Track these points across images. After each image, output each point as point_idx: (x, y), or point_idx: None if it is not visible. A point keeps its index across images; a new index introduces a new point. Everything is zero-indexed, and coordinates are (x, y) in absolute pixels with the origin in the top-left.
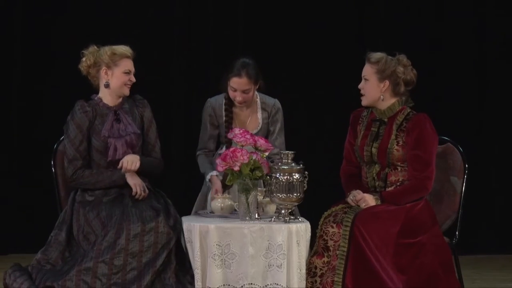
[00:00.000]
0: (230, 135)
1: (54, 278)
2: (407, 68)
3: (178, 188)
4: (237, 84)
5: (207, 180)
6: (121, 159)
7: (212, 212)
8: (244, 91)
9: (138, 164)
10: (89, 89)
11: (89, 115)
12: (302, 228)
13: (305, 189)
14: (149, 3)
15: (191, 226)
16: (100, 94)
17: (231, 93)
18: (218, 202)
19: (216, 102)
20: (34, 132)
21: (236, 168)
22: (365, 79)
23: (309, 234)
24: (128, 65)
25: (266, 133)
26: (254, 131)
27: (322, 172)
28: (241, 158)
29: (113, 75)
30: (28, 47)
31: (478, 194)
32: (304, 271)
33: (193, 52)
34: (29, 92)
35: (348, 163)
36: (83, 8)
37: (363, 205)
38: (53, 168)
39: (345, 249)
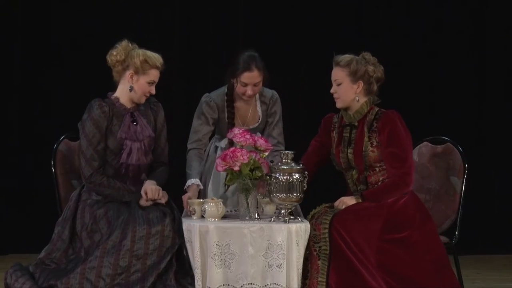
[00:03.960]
0: (229, 135)
1: (58, 277)
2: (376, 66)
3: (178, 188)
4: (249, 78)
5: (187, 185)
6: (134, 164)
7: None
8: (255, 85)
9: (160, 193)
10: (90, 88)
11: (107, 115)
12: (301, 228)
13: (305, 189)
14: (149, 2)
15: (191, 226)
16: (117, 94)
17: (241, 89)
18: (213, 207)
19: (218, 97)
20: (34, 132)
21: (236, 168)
22: (337, 83)
23: (308, 234)
24: (155, 76)
25: (265, 125)
26: (256, 125)
27: (322, 172)
28: (241, 158)
29: (138, 82)
30: (28, 47)
31: (478, 194)
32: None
33: (193, 52)
34: (29, 91)
35: (308, 158)
36: (83, 7)
37: (342, 207)
38: (53, 168)
39: (327, 251)
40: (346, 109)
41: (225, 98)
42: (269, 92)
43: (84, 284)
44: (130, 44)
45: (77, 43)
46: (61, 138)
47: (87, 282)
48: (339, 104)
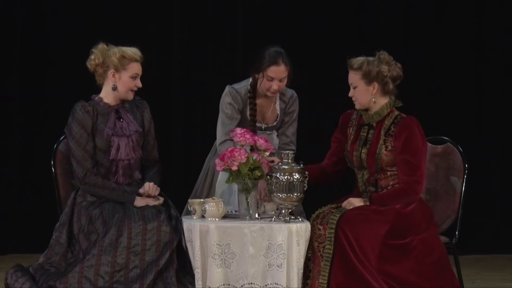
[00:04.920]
0: (230, 135)
1: (57, 278)
2: (391, 64)
3: (178, 188)
4: (276, 72)
5: None
6: (123, 159)
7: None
8: (281, 80)
9: (157, 192)
10: (89, 88)
11: (91, 114)
12: (302, 228)
13: (305, 189)
14: (149, 3)
15: (192, 225)
16: (101, 94)
17: (266, 84)
18: (213, 207)
19: (241, 89)
20: (34, 132)
21: (234, 168)
22: (353, 87)
23: (308, 234)
24: (136, 69)
25: (281, 124)
26: (274, 123)
27: None
28: (239, 157)
29: (120, 79)
30: (28, 47)
31: (478, 194)
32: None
33: (193, 53)
34: (29, 91)
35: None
36: (82, 8)
37: (348, 206)
38: (53, 168)
39: (331, 251)
40: (366, 109)
41: (248, 94)
42: (289, 91)
43: (83, 283)
44: (106, 45)
45: (77, 44)
46: (61, 138)
47: (86, 281)
48: (357, 106)
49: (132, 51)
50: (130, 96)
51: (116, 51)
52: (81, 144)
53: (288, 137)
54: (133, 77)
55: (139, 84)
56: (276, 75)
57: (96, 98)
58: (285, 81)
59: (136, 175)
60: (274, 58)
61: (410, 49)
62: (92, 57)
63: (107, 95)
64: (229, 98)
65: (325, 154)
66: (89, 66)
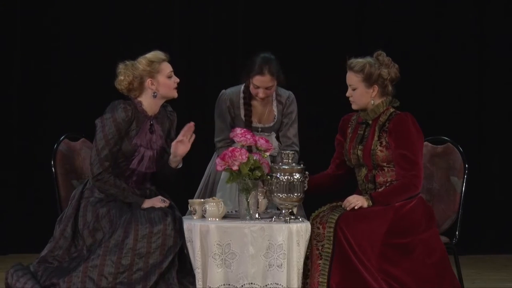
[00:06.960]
0: (231, 135)
1: (60, 276)
2: (390, 67)
3: (179, 188)
4: (260, 82)
5: None
6: (143, 171)
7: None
8: (267, 88)
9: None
10: (89, 89)
11: (130, 119)
12: (302, 228)
13: (305, 189)
14: (149, 4)
15: (192, 225)
16: (141, 99)
17: (253, 90)
18: (213, 207)
19: (233, 94)
20: (34, 132)
21: (235, 168)
22: (352, 88)
23: (309, 234)
24: (168, 67)
25: (280, 126)
26: (271, 124)
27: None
28: (240, 157)
29: (159, 83)
30: (29, 47)
31: (478, 194)
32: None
33: (193, 55)
34: (30, 91)
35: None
36: (82, 8)
37: (347, 205)
38: (53, 168)
39: (330, 250)
40: (364, 109)
41: (242, 95)
42: (286, 93)
43: (86, 283)
44: (126, 62)
45: (77, 43)
46: (61, 138)
47: (89, 281)
48: (354, 107)
49: (156, 54)
50: (175, 93)
51: (142, 61)
52: (110, 145)
53: (290, 139)
54: (169, 76)
55: (177, 79)
56: (261, 84)
57: (136, 100)
58: (272, 89)
59: (147, 185)
60: (259, 68)
61: (410, 49)
62: (122, 77)
63: (146, 101)
64: (222, 106)
65: (326, 153)
66: (120, 87)
